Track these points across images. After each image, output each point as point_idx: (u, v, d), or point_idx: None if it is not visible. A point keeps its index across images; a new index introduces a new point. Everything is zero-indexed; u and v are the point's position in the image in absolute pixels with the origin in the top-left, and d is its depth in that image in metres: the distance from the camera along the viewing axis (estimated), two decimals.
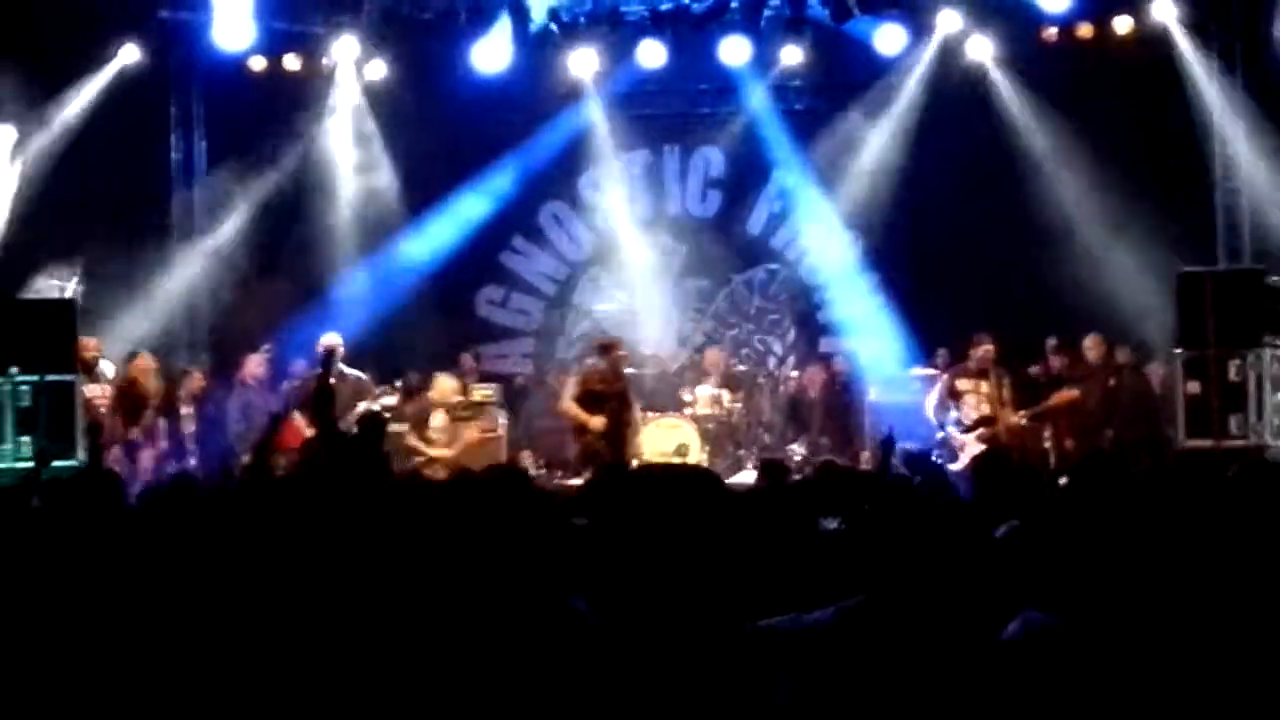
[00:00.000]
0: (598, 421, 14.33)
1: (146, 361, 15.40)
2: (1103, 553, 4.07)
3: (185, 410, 15.83)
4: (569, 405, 14.64)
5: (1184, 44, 17.29)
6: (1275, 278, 14.18)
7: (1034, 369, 16.18)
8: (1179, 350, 14.11)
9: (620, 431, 14.53)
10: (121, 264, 16.90)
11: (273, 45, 18.30)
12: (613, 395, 14.52)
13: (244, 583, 4.52)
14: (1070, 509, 4.15)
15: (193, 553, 4.89)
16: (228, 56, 18.00)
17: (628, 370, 15.28)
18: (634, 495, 3.48)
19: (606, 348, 14.90)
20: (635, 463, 13.32)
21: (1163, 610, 3.74)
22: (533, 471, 15.82)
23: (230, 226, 18.41)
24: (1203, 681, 3.65)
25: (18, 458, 13.33)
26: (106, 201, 16.86)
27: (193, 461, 15.30)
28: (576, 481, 13.88)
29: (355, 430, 11.95)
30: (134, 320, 17.18)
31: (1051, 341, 16.55)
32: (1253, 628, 3.80)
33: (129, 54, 17.56)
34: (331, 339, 15.58)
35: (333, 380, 15.18)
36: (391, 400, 15.97)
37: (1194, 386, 13.89)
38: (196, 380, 16.17)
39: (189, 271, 18.34)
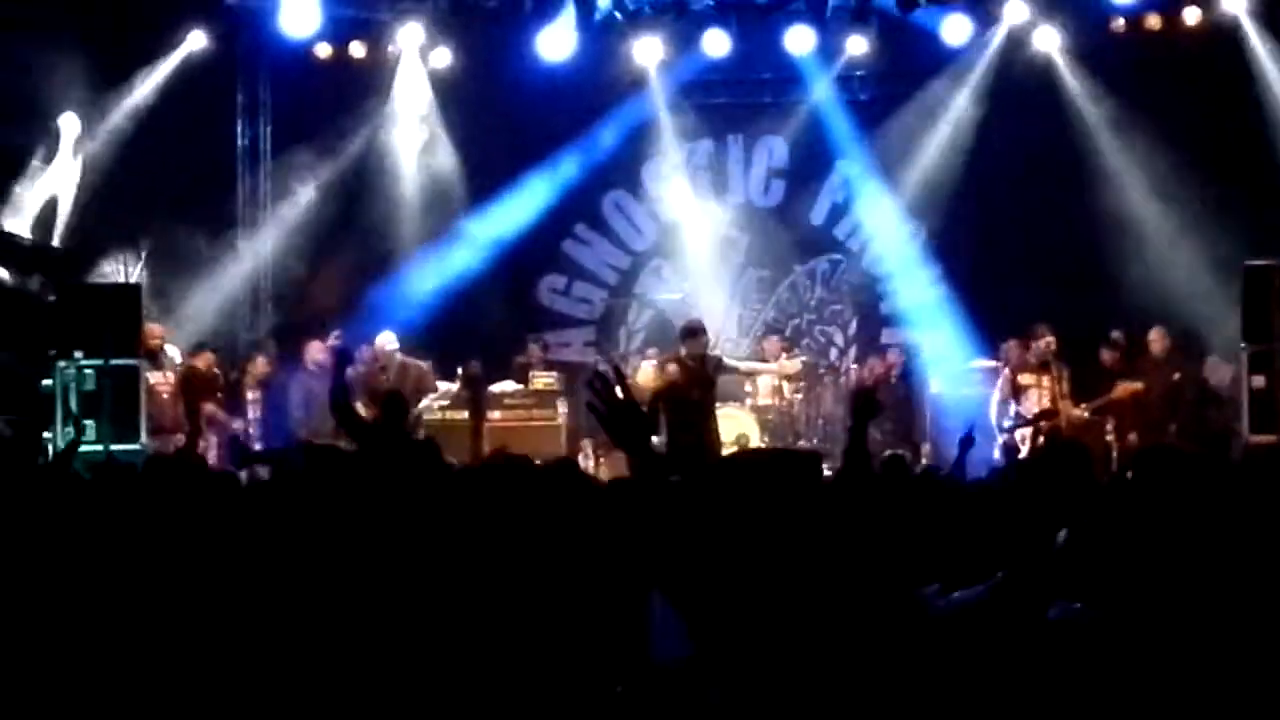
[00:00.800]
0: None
1: (210, 357, 15.55)
2: (1163, 548, 4.03)
3: (251, 395, 15.97)
4: (650, 396, 14.19)
5: (1254, 35, 17.14)
6: None
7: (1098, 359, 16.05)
8: (1244, 344, 14.00)
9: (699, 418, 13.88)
10: (188, 249, 17.05)
11: (338, 32, 18.37)
12: (694, 382, 13.57)
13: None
14: (1131, 502, 4.10)
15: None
16: (294, 43, 18.08)
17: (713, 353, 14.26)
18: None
19: (691, 332, 13.86)
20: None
21: (1221, 607, 3.70)
22: (591, 460, 15.84)
23: (295, 213, 18.49)
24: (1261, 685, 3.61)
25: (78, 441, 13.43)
26: (173, 187, 16.92)
27: (257, 447, 15.40)
28: None
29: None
30: (199, 305, 17.31)
31: (1115, 334, 16.42)
32: None
33: (196, 40, 17.70)
34: (385, 338, 15.70)
35: (388, 374, 15.36)
36: (453, 388, 16.03)
37: (1259, 381, 13.79)
38: (261, 365, 16.29)
39: (254, 256, 18.48)
